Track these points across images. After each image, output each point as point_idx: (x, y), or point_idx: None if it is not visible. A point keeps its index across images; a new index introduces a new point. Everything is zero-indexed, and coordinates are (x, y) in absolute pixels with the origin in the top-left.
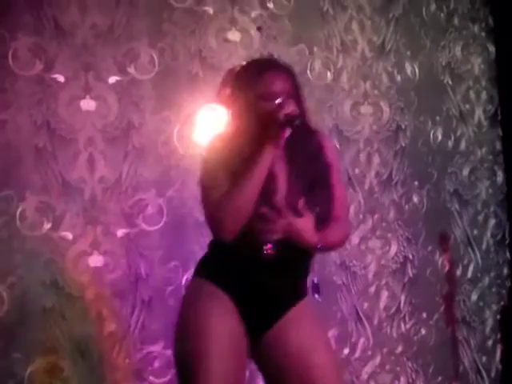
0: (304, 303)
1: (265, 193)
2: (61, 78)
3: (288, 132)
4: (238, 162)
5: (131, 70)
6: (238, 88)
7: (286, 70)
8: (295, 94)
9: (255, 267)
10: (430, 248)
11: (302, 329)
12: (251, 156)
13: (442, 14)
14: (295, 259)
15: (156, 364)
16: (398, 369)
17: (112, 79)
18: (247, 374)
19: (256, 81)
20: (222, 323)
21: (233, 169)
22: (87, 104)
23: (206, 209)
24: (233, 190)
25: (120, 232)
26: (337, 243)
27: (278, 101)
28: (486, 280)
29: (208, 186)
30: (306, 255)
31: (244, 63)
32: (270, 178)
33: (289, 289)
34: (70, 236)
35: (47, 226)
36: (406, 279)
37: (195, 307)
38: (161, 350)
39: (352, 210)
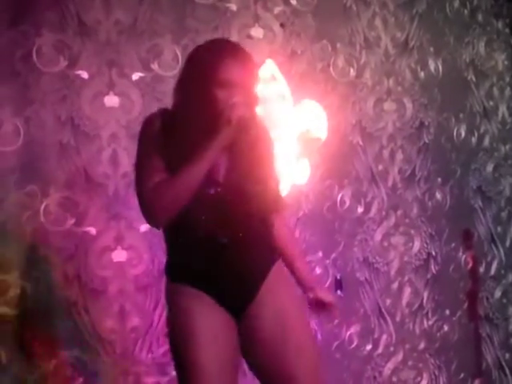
0: (276, 270)
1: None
2: (85, 75)
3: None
4: (177, 146)
5: (155, 66)
6: (192, 67)
7: (246, 58)
8: (252, 84)
9: (213, 254)
10: (453, 245)
11: (279, 299)
12: (196, 148)
13: (465, 10)
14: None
15: None
16: (421, 365)
17: (135, 75)
18: None
19: (214, 65)
20: (210, 321)
21: (172, 153)
22: (111, 100)
23: (141, 194)
24: (172, 180)
25: (143, 227)
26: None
27: (232, 100)
28: (510, 277)
29: (144, 169)
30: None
31: (204, 42)
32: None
33: (256, 262)
34: (93, 231)
35: (71, 221)
36: (429, 276)
37: (181, 312)
38: None
39: (375, 206)
